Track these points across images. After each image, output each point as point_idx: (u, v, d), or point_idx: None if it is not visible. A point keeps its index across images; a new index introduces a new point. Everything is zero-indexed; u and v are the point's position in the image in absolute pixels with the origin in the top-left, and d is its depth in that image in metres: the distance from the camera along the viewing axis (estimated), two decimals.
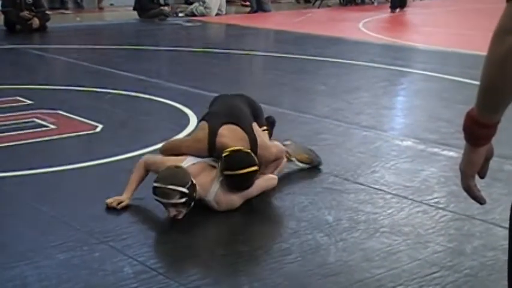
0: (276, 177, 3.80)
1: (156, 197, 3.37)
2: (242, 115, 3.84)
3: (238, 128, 3.72)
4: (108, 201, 3.50)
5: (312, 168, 4.21)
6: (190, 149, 3.71)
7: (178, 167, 3.45)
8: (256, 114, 3.98)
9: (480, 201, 1.49)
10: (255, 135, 3.75)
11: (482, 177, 1.48)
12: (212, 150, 3.66)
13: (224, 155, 3.54)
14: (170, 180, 3.34)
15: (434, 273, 2.86)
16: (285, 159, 4.07)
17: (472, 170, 1.44)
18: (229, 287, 2.78)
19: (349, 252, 3.06)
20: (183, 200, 3.34)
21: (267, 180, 3.74)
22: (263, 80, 7.43)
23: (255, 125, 3.83)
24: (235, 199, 3.54)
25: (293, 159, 4.17)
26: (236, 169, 3.50)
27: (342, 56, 8.72)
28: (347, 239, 3.20)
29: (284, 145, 4.15)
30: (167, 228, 3.42)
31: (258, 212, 3.71)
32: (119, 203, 3.47)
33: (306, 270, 2.89)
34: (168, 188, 3.32)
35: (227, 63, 8.62)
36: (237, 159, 3.52)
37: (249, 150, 3.62)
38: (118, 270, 2.86)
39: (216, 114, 3.82)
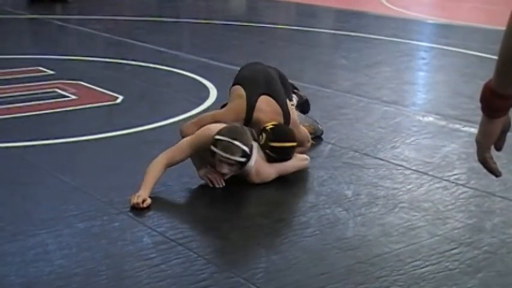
0: (308, 158, 3.75)
1: (216, 150, 3.29)
2: (278, 88, 3.86)
3: (274, 102, 3.74)
4: (134, 202, 3.16)
5: (316, 138, 4.22)
6: (226, 117, 3.67)
7: (242, 126, 3.42)
8: (286, 89, 3.97)
9: (496, 173, 1.49)
10: (289, 110, 3.76)
11: (498, 149, 1.48)
12: (248, 123, 3.68)
13: (269, 127, 3.57)
14: (235, 135, 3.28)
15: (453, 249, 2.85)
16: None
17: (488, 141, 1.44)
18: (248, 259, 2.79)
19: (367, 227, 3.06)
20: (243, 159, 3.30)
21: (301, 160, 3.70)
22: (284, 53, 7.39)
23: (288, 101, 3.85)
24: (272, 172, 3.53)
25: None
26: (282, 141, 3.54)
27: (363, 30, 8.64)
28: (366, 214, 3.20)
29: None
30: (187, 200, 3.43)
31: (277, 185, 3.71)
32: (143, 201, 3.17)
33: (324, 244, 2.89)
34: (234, 144, 3.26)
35: (248, 36, 8.58)
36: (283, 132, 3.58)
37: (290, 127, 3.67)
38: (137, 240, 2.88)
39: (254, 81, 3.79)
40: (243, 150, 3.28)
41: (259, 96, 3.73)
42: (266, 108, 3.71)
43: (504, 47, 1.34)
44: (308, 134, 4.01)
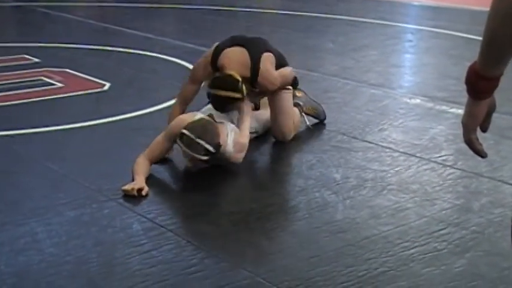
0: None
1: (181, 144, 3.32)
2: (256, 42, 3.83)
3: (245, 52, 3.71)
4: (126, 188, 3.17)
5: (318, 124, 4.21)
6: (200, 64, 3.82)
7: (211, 123, 3.39)
8: (281, 63, 3.92)
9: (481, 154, 1.51)
10: (259, 63, 3.70)
11: (484, 130, 1.50)
12: (214, 66, 3.71)
13: (215, 75, 3.62)
14: (201, 133, 3.28)
15: (441, 230, 2.87)
16: (298, 112, 4.07)
17: (474, 123, 1.45)
18: (238, 244, 2.80)
19: (356, 210, 3.08)
20: (206, 158, 3.31)
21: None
22: (271, 38, 7.34)
23: (266, 55, 3.75)
24: (245, 143, 3.52)
25: (302, 114, 4.14)
26: (217, 89, 3.56)
27: (350, 14, 8.63)
28: (354, 197, 3.22)
29: (295, 96, 4.14)
30: (176, 186, 3.44)
31: (266, 169, 3.73)
32: (141, 189, 3.18)
33: (314, 227, 2.91)
34: (197, 142, 3.27)
35: (234, 21, 8.55)
36: (222, 81, 3.58)
37: (239, 78, 3.58)
38: (127, 227, 2.89)
39: (229, 38, 3.85)
40: (206, 149, 3.28)
41: (231, 46, 3.75)
42: (233, 55, 3.68)
43: (488, 30, 1.35)
44: (288, 75, 3.91)
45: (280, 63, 3.88)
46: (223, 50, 3.72)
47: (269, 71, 3.74)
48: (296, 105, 4.09)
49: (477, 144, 1.48)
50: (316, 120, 4.26)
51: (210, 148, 3.28)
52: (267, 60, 3.75)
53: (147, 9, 9.14)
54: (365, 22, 8.13)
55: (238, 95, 3.56)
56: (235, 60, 3.67)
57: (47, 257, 2.63)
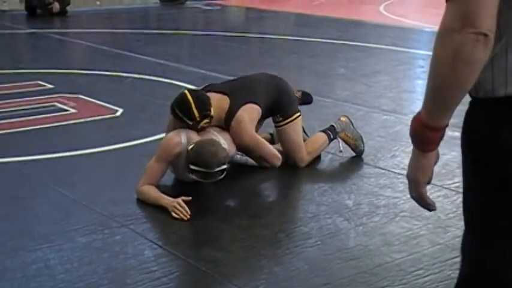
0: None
1: (196, 177, 3.33)
2: (241, 90, 3.83)
3: (225, 98, 3.75)
4: (175, 215, 3.22)
5: (354, 157, 4.13)
6: None
7: (213, 143, 3.37)
8: (279, 100, 3.91)
9: (432, 208, 1.45)
10: (237, 110, 3.72)
11: (428, 182, 1.44)
12: None
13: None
14: (216, 163, 3.27)
15: (455, 257, 2.84)
16: (327, 140, 4.03)
17: (425, 177, 1.40)
18: (250, 271, 2.79)
19: (369, 237, 3.06)
20: (224, 174, 3.35)
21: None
22: (282, 63, 7.41)
23: (249, 105, 3.76)
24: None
25: (338, 137, 4.06)
26: (176, 103, 3.73)
27: (361, 39, 8.66)
28: (367, 224, 3.20)
29: (339, 119, 4.13)
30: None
31: (278, 196, 3.72)
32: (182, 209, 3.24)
33: (326, 254, 2.89)
34: (216, 172, 3.29)
35: (246, 46, 8.61)
36: (181, 99, 3.70)
37: (192, 108, 3.59)
38: (139, 253, 2.88)
39: (222, 84, 3.93)
40: (222, 170, 3.32)
41: (214, 92, 3.78)
42: (212, 102, 3.69)
43: (435, 77, 1.29)
44: (269, 152, 3.83)
45: (274, 108, 3.89)
46: (209, 91, 3.78)
47: (244, 121, 3.72)
48: (325, 131, 4.03)
49: (428, 199, 1.43)
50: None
51: (224, 167, 3.32)
52: (247, 111, 3.75)
53: (159, 35, 9.22)
54: (376, 48, 8.15)
55: (189, 122, 3.59)
56: (214, 105, 3.68)
57: (59, 283, 2.63)
